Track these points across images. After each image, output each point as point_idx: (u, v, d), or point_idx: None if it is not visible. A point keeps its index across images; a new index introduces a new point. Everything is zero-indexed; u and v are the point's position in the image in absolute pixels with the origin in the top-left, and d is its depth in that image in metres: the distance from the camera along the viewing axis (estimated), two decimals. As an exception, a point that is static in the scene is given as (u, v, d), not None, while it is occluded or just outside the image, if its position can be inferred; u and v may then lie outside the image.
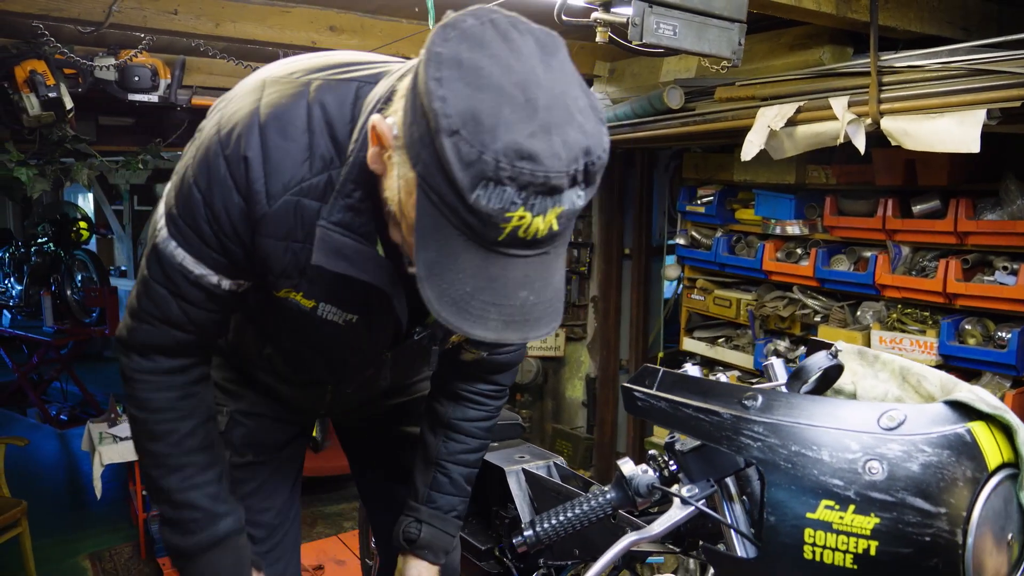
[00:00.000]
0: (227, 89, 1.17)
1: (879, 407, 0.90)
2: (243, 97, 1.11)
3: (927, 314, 3.07)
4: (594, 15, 1.60)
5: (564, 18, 1.61)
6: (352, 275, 1.08)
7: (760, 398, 0.95)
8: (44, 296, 7.28)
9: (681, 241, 4.19)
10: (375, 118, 0.97)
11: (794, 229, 3.54)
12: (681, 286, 4.55)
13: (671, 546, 1.23)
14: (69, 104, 3.34)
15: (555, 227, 0.88)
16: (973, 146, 2.15)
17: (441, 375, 1.51)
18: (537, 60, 0.87)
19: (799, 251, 3.56)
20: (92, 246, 8.95)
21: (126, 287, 8.83)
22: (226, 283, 1.17)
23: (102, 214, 9.22)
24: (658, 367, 1.07)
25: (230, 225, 1.10)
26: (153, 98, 3.58)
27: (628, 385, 1.08)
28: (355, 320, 1.21)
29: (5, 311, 8.70)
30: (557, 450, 5.46)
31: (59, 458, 6.25)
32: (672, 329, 4.88)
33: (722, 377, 1.09)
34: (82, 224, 8.29)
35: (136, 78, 3.49)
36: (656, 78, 3.17)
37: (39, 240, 8.22)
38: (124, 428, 4.48)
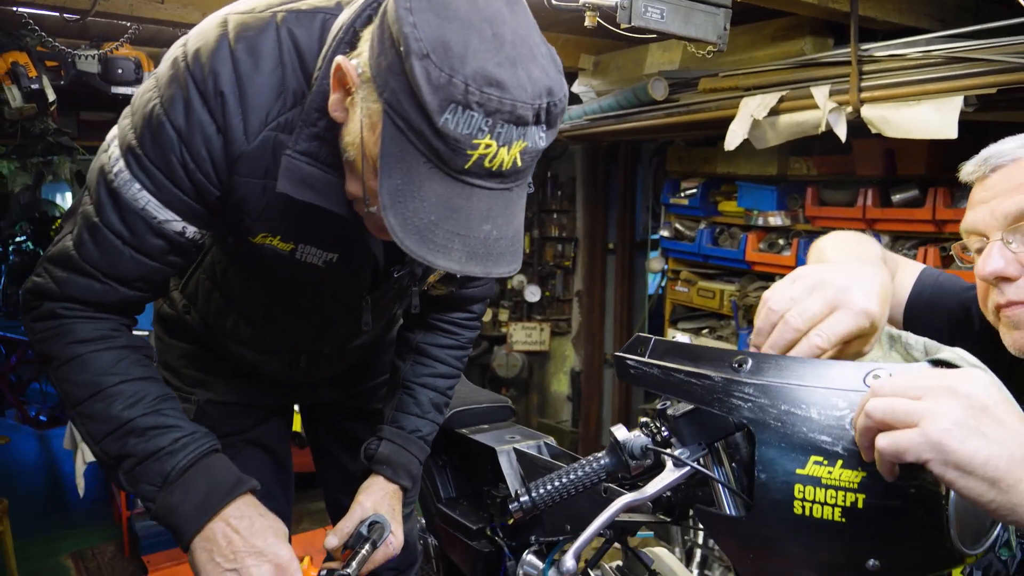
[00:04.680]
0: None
1: (865, 366, 0.92)
2: (207, 32, 1.06)
3: (907, 302, 3.12)
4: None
5: (554, 3, 1.64)
6: (320, 204, 1.06)
7: (750, 361, 0.96)
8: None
9: (665, 233, 4.23)
10: (340, 59, 0.96)
11: (776, 220, 3.59)
12: (665, 280, 4.59)
13: (662, 516, 1.25)
14: (51, 96, 3.31)
15: (519, 163, 0.91)
16: (950, 132, 2.20)
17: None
18: (502, 3, 0.91)
19: (781, 242, 3.61)
20: (71, 245, 8.82)
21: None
22: (191, 231, 1.11)
23: (82, 213, 9.11)
24: (650, 336, 1.08)
25: (209, 163, 1.05)
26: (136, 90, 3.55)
27: (620, 354, 1.09)
28: (335, 260, 1.19)
29: (-17, 311, 8.57)
30: (543, 444, 5.47)
31: (40, 457, 6.17)
32: (656, 323, 4.92)
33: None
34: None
35: (119, 71, 3.46)
36: (640, 70, 3.20)
37: (17, 239, 8.10)
38: (107, 425, 4.43)
